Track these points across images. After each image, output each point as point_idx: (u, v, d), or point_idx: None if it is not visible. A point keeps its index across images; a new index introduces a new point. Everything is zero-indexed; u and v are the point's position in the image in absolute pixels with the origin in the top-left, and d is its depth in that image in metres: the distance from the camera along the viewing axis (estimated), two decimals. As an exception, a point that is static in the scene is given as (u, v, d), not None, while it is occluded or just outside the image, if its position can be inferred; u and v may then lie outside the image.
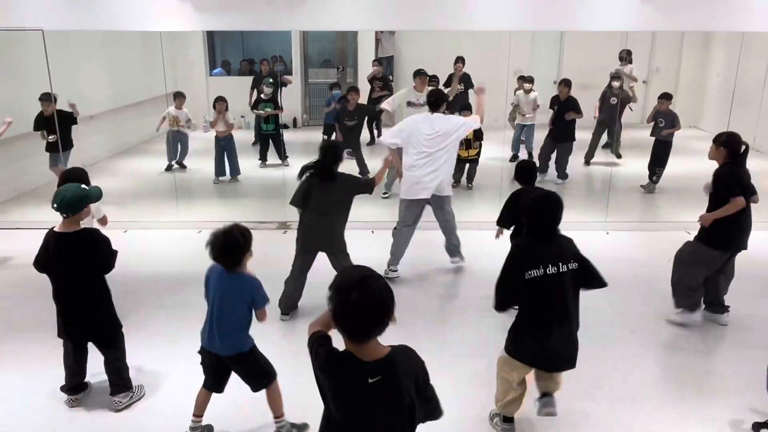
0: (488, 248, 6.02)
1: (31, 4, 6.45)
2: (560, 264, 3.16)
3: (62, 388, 3.84)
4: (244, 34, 13.60)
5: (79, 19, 6.52)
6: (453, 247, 5.88)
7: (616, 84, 9.00)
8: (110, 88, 8.31)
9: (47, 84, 6.79)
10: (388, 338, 4.47)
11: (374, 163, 8.83)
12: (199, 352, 3.36)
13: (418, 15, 6.58)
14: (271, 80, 9.15)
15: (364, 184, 4.83)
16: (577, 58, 10.33)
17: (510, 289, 3.21)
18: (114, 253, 3.58)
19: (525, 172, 4.84)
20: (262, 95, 9.00)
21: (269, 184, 8.74)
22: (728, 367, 4.36)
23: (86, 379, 3.92)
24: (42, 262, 3.56)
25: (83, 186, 3.62)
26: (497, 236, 5.08)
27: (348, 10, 6.54)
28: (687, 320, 4.80)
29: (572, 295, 3.23)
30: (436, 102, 5.54)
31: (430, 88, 7.46)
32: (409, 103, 7.66)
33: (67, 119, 7.31)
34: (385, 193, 7.90)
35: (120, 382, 3.79)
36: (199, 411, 3.45)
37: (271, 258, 5.98)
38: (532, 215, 3.24)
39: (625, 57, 9.72)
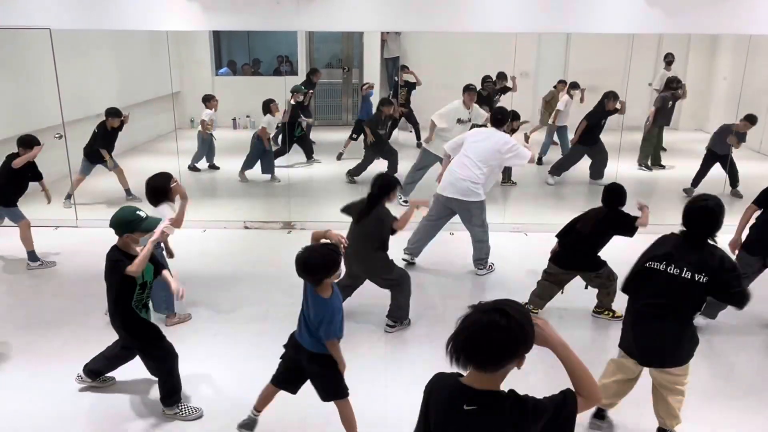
0: (497, 251, 6.04)
1: (39, 3, 6.48)
2: None
3: (84, 366, 3.91)
4: (250, 34, 13.62)
5: (86, 19, 6.55)
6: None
7: (679, 92, 9.11)
8: (117, 87, 8.35)
9: (54, 83, 6.83)
10: (391, 337, 4.44)
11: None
12: (287, 344, 3.36)
13: (424, 16, 6.58)
14: (303, 87, 9.26)
15: (390, 229, 4.57)
16: (583, 60, 10.31)
17: None
18: (117, 281, 3.55)
19: (617, 195, 4.60)
20: (291, 101, 9.07)
21: (275, 184, 8.75)
22: (733, 370, 4.36)
23: (111, 375, 4.00)
24: None
25: (139, 213, 3.60)
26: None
27: (354, 11, 6.55)
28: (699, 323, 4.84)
29: None
30: (500, 120, 5.71)
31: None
32: (459, 120, 7.48)
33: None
34: (405, 201, 7.82)
35: (164, 394, 3.74)
36: (260, 406, 3.46)
37: (274, 259, 6.02)
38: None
39: (672, 60, 9.78)
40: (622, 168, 8.00)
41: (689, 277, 3.09)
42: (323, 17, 6.53)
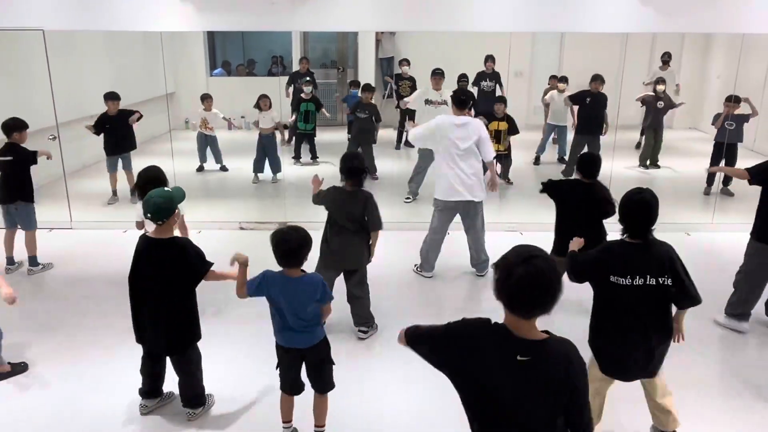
0: (492, 251, 6.04)
1: (32, 4, 6.45)
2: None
3: (139, 392, 3.78)
4: (244, 35, 13.61)
5: (79, 19, 6.52)
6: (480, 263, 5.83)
7: (660, 88, 9.07)
8: (111, 88, 8.33)
9: (47, 84, 6.80)
10: (387, 336, 4.44)
11: (389, 165, 8.93)
12: (278, 354, 3.35)
13: (418, 16, 6.59)
14: (308, 78, 9.22)
15: (373, 224, 4.50)
16: (576, 59, 10.33)
17: None
18: (207, 264, 3.49)
19: (588, 164, 4.81)
20: (302, 95, 9.07)
21: (269, 185, 8.75)
22: (729, 368, 4.38)
23: (167, 389, 3.87)
24: (133, 270, 3.49)
25: (166, 188, 3.54)
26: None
27: (349, 11, 6.54)
28: (735, 326, 4.82)
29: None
30: (464, 101, 5.52)
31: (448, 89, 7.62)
32: (428, 101, 7.72)
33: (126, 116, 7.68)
34: (407, 199, 7.84)
35: (193, 396, 3.73)
36: (286, 417, 3.47)
37: (270, 258, 6.00)
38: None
39: (667, 60, 9.79)
40: (616, 167, 8.01)
41: (654, 283, 3.03)
42: (318, 17, 6.52)
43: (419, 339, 2.20)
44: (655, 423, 3.46)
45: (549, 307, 1.90)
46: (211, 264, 3.51)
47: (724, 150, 7.86)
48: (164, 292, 3.44)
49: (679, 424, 3.39)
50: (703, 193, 8.07)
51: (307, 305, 3.17)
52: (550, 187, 4.91)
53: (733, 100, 7.67)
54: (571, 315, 3.76)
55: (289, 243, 3.08)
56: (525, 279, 1.85)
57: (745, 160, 4.72)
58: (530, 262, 1.87)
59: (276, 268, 3.20)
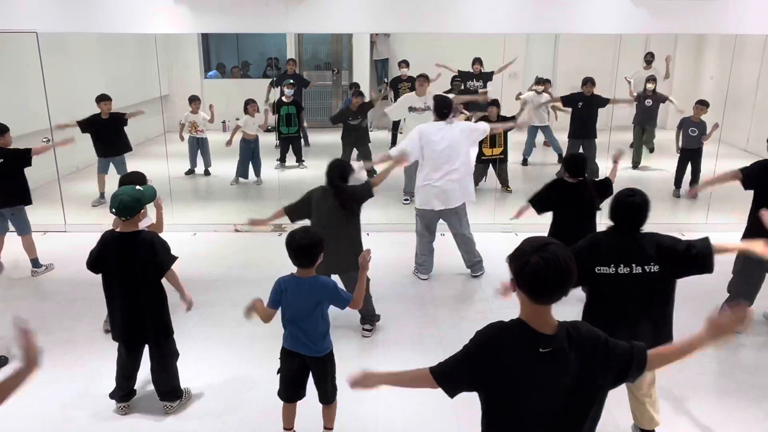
0: (488, 253, 6.05)
1: (26, 6, 6.43)
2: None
3: (112, 395, 3.78)
4: (239, 37, 13.59)
5: (73, 22, 6.51)
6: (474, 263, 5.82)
7: (650, 86, 9.08)
8: (105, 90, 8.32)
9: (41, 87, 6.78)
10: (384, 338, 4.45)
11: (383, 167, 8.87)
12: (281, 358, 3.34)
13: (413, 17, 6.60)
14: (291, 81, 9.04)
15: (363, 190, 4.57)
16: (571, 60, 10.36)
17: None
18: (171, 258, 3.57)
19: (576, 164, 4.87)
20: (283, 98, 8.85)
21: (264, 187, 8.74)
22: (724, 366, 4.39)
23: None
24: (95, 262, 3.57)
25: (138, 187, 3.61)
26: (517, 216, 5.03)
27: (343, 13, 6.55)
28: None
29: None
30: (444, 114, 5.43)
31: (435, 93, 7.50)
32: (411, 108, 7.53)
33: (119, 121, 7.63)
34: (406, 200, 7.83)
35: (170, 390, 3.77)
36: (288, 424, 3.46)
37: (265, 261, 6.01)
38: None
39: (650, 60, 9.84)
40: (610, 167, 8.04)
41: (640, 271, 3.05)
42: (312, 19, 6.52)
43: (447, 375, 2.14)
44: (635, 421, 3.47)
45: (567, 291, 1.95)
46: (176, 257, 3.58)
47: (690, 155, 7.92)
48: (137, 282, 3.51)
49: (658, 424, 3.39)
50: (672, 196, 8.16)
51: (317, 307, 3.17)
52: (539, 203, 4.92)
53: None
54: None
55: (301, 243, 3.08)
56: (542, 266, 1.88)
57: (741, 161, 4.75)
58: (544, 249, 1.90)
59: (273, 269, 3.20)
